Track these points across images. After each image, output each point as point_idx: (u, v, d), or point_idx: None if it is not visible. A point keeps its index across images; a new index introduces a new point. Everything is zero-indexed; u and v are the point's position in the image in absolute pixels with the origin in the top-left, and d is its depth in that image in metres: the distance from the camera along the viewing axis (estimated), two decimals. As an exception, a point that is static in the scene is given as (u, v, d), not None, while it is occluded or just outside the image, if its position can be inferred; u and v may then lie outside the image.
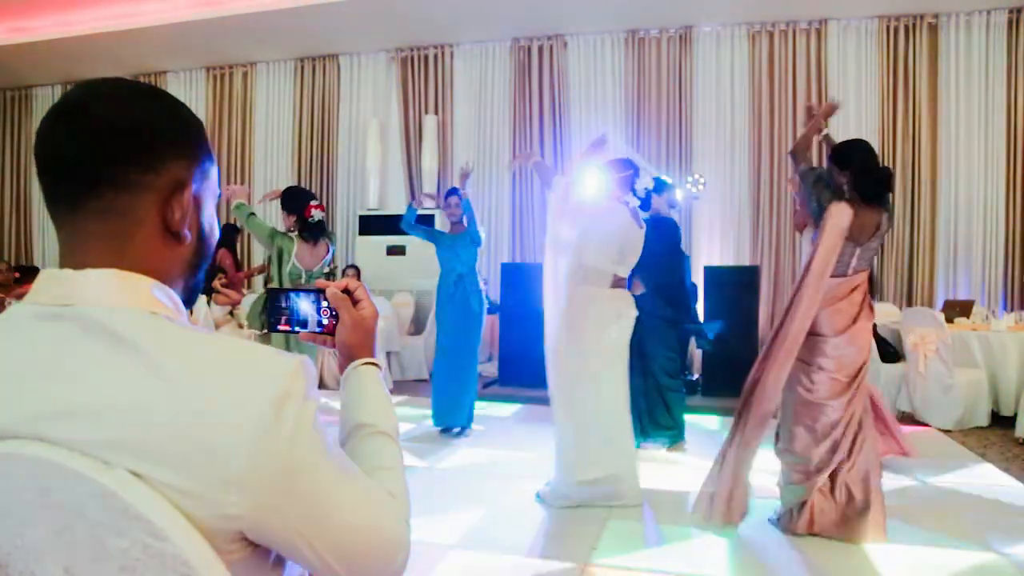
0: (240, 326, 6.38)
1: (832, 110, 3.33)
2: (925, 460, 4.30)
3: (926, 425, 5.16)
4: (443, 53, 8.17)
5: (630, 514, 3.35)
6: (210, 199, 0.83)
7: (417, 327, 7.56)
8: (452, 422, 4.85)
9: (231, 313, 6.72)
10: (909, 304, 6.91)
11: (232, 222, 7.14)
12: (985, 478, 3.96)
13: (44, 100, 9.73)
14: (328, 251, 4.44)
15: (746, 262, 7.29)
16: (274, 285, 4.35)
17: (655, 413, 4.52)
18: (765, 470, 3.30)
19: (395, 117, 8.42)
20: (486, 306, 5.03)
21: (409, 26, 7.68)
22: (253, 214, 4.34)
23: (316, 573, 0.73)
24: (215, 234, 0.85)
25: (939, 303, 6.69)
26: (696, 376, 6.50)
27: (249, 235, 7.09)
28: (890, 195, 3.07)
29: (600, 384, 3.40)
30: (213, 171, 0.82)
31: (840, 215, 2.93)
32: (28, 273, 7.54)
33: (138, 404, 0.64)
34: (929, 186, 7.02)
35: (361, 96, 8.54)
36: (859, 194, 2.98)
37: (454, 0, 7.02)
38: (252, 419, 0.65)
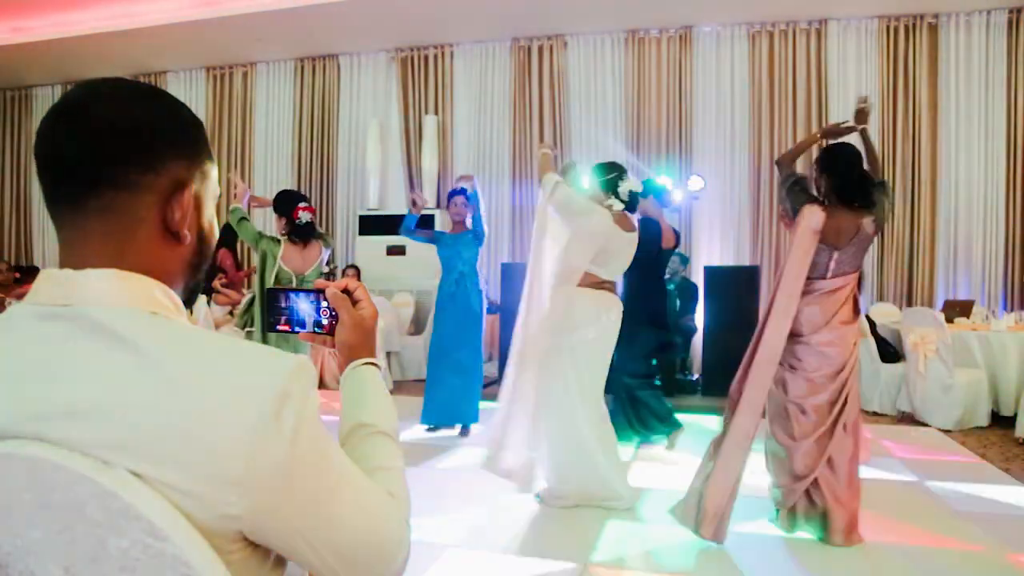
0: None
1: (838, 132, 3.23)
2: (925, 460, 4.30)
3: (926, 425, 5.17)
4: (443, 53, 8.17)
5: (630, 514, 3.35)
6: (210, 199, 0.83)
7: (417, 327, 7.56)
8: (450, 421, 4.85)
9: (231, 313, 6.71)
10: (909, 304, 6.91)
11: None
12: (985, 478, 3.96)
13: (44, 100, 9.73)
14: (321, 253, 4.34)
15: (746, 262, 7.28)
16: (258, 290, 4.32)
17: (641, 415, 4.53)
18: (765, 471, 3.29)
19: (395, 117, 8.42)
20: (486, 305, 5.03)
21: (409, 26, 7.68)
22: (245, 218, 4.30)
23: (316, 573, 0.73)
24: (215, 234, 0.85)
25: (939, 303, 6.69)
26: (696, 376, 6.51)
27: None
28: (882, 200, 3.00)
29: (568, 384, 3.37)
30: (213, 171, 0.82)
31: (811, 217, 2.94)
32: (28, 273, 7.56)
33: (138, 404, 0.64)
34: (929, 186, 7.02)
35: (361, 96, 8.54)
36: (837, 197, 3.00)
37: (454, 0, 7.02)
38: (252, 419, 0.65)
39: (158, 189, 0.75)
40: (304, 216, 4.24)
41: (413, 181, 8.24)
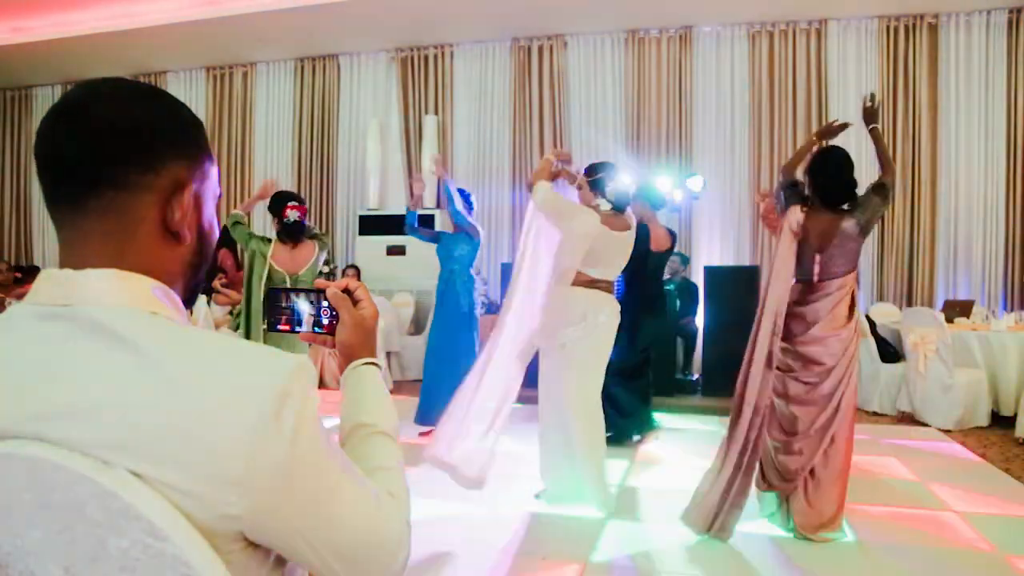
0: (240, 326, 6.37)
1: (831, 131, 3.25)
2: (925, 460, 4.30)
3: (926, 425, 5.16)
4: (443, 53, 8.17)
5: (630, 514, 3.35)
6: (210, 199, 0.83)
7: (417, 327, 7.56)
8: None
9: (231, 313, 6.71)
10: (909, 304, 6.91)
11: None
12: (985, 478, 3.96)
13: (44, 100, 9.72)
14: (315, 253, 4.29)
15: (746, 262, 7.29)
16: (246, 291, 4.32)
17: (614, 413, 4.49)
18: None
19: (395, 117, 8.42)
20: (480, 304, 5.02)
21: (409, 26, 7.68)
22: (239, 222, 4.31)
23: (316, 573, 0.73)
24: (215, 234, 0.85)
25: (939, 303, 6.69)
26: (696, 376, 6.50)
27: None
28: (871, 201, 2.96)
29: (555, 382, 3.39)
30: (213, 171, 0.82)
31: (790, 217, 3.00)
32: (30, 273, 7.56)
33: (138, 404, 0.64)
34: (929, 186, 7.02)
35: (361, 96, 8.54)
36: (820, 199, 3.02)
37: (454, 0, 7.01)
38: (252, 419, 0.65)
39: (158, 189, 0.75)
40: (292, 215, 4.21)
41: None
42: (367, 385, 0.95)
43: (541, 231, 3.50)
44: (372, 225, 8.02)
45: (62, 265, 0.74)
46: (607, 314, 3.43)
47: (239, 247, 7.80)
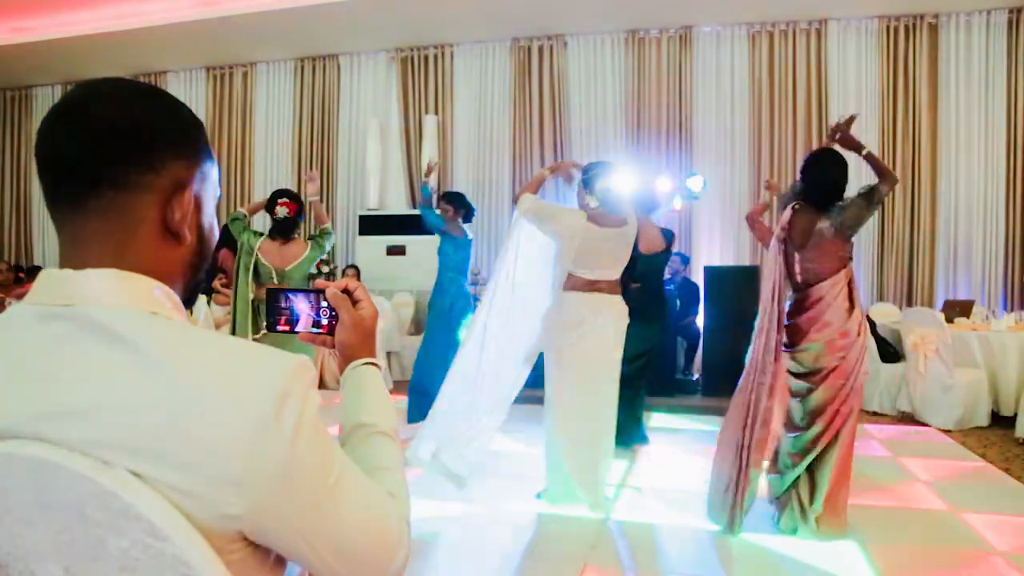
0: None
1: (839, 129, 3.20)
2: (925, 460, 4.30)
3: (926, 425, 5.16)
4: (443, 53, 8.17)
5: (630, 514, 3.35)
6: (210, 199, 0.83)
7: (417, 327, 7.56)
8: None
9: (231, 313, 6.71)
10: (909, 304, 6.91)
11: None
12: (985, 478, 3.96)
13: (44, 100, 9.72)
14: (305, 251, 4.25)
15: (746, 262, 7.29)
16: (234, 281, 4.36)
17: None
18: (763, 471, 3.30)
19: (395, 117, 8.42)
20: (469, 302, 4.95)
21: (409, 26, 7.68)
22: (238, 219, 4.35)
23: (316, 573, 0.73)
24: (215, 234, 0.85)
25: (939, 303, 6.69)
26: (696, 376, 6.50)
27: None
28: (854, 204, 2.96)
29: (551, 386, 3.40)
30: (213, 171, 0.82)
31: (783, 216, 3.08)
32: (32, 273, 7.56)
33: (138, 404, 0.64)
34: (929, 186, 7.02)
35: (361, 96, 8.54)
36: (804, 199, 3.08)
37: (454, 0, 7.02)
38: (252, 419, 0.65)
39: (158, 189, 0.75)
40: (280, 211, 4.23)
41: (413, 181, 8.23)
42: (367, 385, 0.95)
43: (527, 240, 3.54)
44: (372, 225, 8.02)
45: (62, 265, 0.74)
46: (609, 314, 3.40)
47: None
